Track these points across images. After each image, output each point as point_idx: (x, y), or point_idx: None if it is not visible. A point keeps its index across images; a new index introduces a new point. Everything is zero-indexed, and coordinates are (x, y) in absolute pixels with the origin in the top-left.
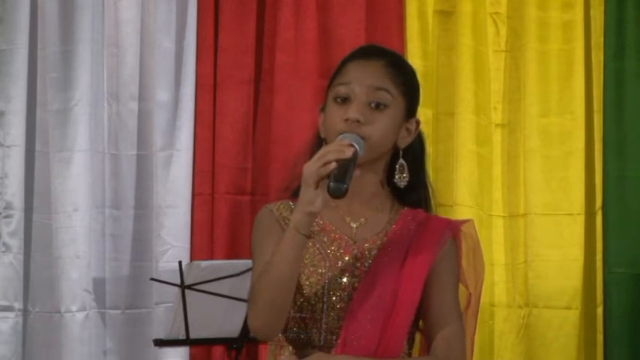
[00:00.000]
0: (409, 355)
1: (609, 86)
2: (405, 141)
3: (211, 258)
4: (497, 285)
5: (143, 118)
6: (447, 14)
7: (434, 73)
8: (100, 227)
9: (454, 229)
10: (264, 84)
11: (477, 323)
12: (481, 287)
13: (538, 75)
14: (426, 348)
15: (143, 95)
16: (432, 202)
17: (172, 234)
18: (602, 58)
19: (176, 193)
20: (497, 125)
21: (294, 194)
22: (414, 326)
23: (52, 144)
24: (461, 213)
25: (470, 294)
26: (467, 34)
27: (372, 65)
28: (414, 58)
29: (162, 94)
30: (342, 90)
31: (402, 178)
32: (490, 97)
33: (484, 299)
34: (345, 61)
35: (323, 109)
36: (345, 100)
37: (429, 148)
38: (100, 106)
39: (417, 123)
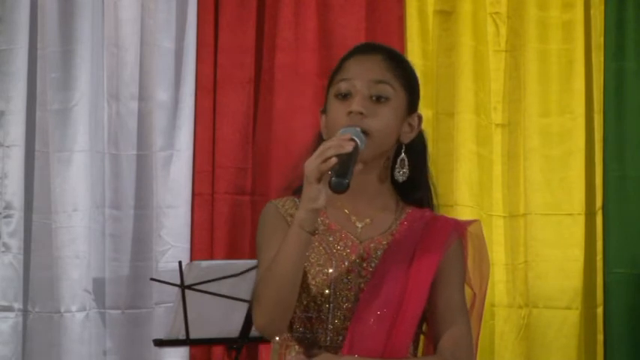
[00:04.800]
0: (415, 356)
1: (609, 86)
2: (408, 136)
3: (211, 258)
4: (497, 285)
5: (143, 118)
6: (447, 14)
7: (434, 73)
8: (100, 227)
9: (461, 229)
10: (264, 84)
11: (482, 325)
12: (486, 288)
13: (538, 75)
14: (430, 349)
15: (143, 95)
16: (435, 202)
17: (172, 234)
18: (602, 58)
19: (176, 193)
20: (497, 125)
21: (295, 192)
22: (420, 327)
23: (52, 144)
24: (461, 213)
25: (474, 295)
26: (467, 34)
27: (372, 59)
28: (414, 58)
29: (162, 94)
30: (343, 86)
31: (402, 173)
32: (490, 97)
33: None
34: (345, 59)
35: (324, 111)
36: (346, 96)
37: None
38: (100, 106)
39: (419, 118)
